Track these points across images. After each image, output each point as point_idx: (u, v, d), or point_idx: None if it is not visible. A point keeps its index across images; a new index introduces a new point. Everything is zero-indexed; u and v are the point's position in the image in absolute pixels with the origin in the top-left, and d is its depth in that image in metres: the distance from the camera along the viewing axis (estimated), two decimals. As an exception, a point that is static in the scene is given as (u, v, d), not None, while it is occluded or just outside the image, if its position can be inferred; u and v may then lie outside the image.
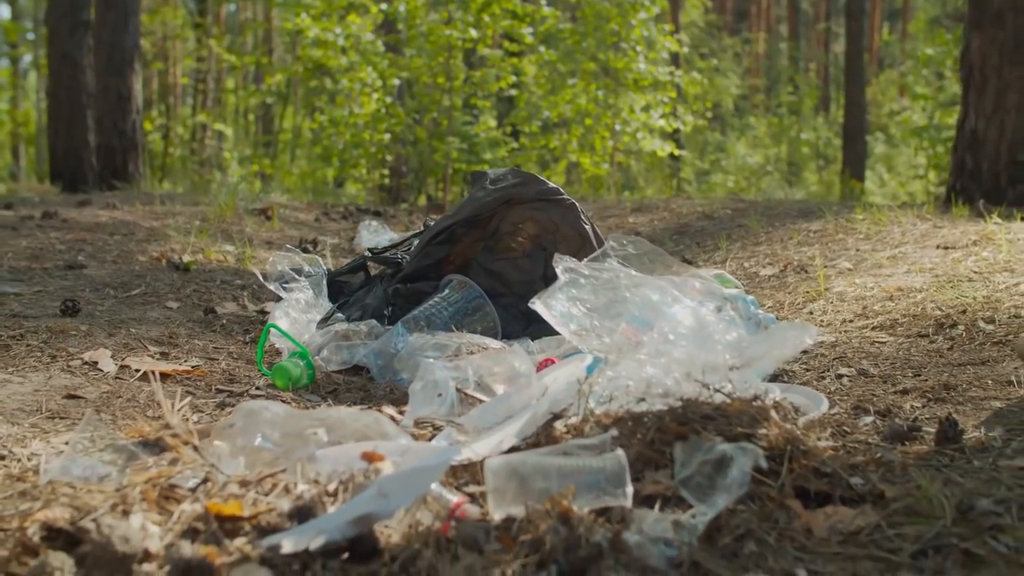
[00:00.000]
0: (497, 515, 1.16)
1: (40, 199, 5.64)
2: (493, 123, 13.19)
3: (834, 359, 2.04)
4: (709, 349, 1.49)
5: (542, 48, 11.42)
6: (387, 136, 10.19)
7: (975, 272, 2.59)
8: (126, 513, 1.07)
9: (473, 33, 9.42)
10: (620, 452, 1.21)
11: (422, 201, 9.74)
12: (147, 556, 0.99)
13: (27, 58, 30.45)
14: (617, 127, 11.58)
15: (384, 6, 10.32)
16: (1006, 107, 5.29)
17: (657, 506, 1.19)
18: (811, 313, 2.47)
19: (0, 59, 35.60)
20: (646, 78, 11.36)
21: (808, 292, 2.68)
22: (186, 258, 3.15)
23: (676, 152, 12.88)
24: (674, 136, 13.85)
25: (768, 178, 20.86)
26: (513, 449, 1.35)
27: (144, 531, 1.02)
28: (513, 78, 10.87)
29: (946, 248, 2.99)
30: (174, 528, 1.06)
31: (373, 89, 10.24)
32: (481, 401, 1.61)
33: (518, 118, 11.88)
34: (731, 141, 22.87)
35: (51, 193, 7.58)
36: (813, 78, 28.21)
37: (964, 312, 2.22)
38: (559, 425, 1.45)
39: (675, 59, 15.33)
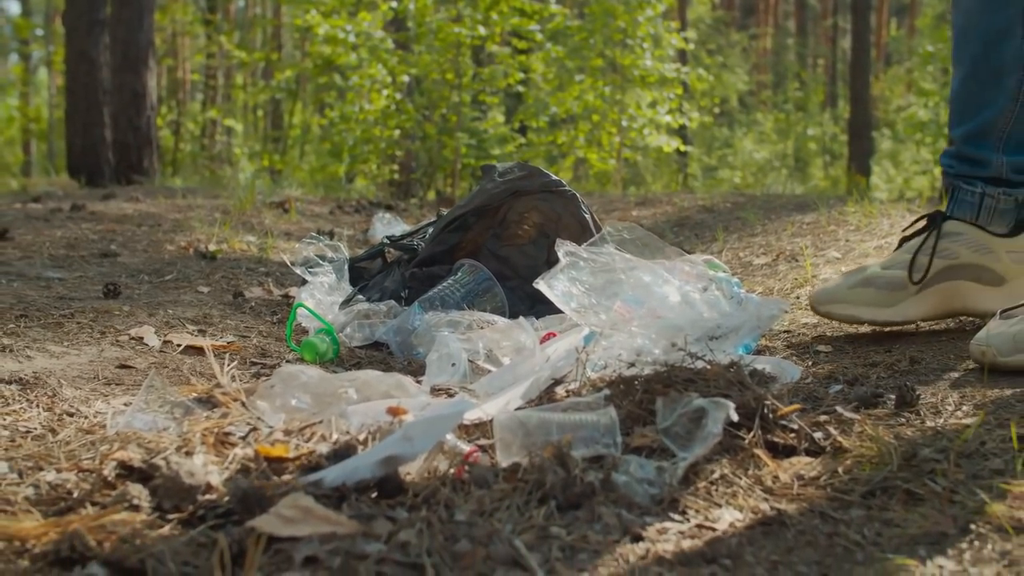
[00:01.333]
0: (504, 463, 1.33)
1: (64, 193, 5.84)
2: (501, 119, 13.35)
3: (814, 338, 2.22)
4: (693, 323, 1.67)
5: (549, 45, 11.59)
6: (397, 132, 10.36)
7: (953, 260, 2.76)
8: (189, 454, 1.25)
9: (482, 31, 9.59)
10: (612, 409, 1.39)
11: (432, 196, 9.91)
12: (209, 488, 1.18)
13: (36, 53, 30.68)
14: (624, 123, 11.74)
15: (394, 3, 10.50)
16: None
17: (643, 455, 1.37)
18: (798, 298, 2.65)
19: (10, 55, 35.88)
20: (652, 75, 11.51)
21: (796, 279, 2.86)
22: (212, 247, 3.34)
23: (682, 148, 13.03)
24: (681, 132, 13.99)
25: (775, 173, 20.98)
26: (518, 409, 1.54)
27: (206, 468, 1.20)
28: (521, 75, 11.03)
29: (930, 238, 3.16)
30: (230, 467, 1.24)
31: (383, 85, 10.41)
32: (490, 370, 1.79)
33: (526, 114, 12.06)
34: (738, 137, 23.02)
35: (72, 187, 7.78)
36: (820, 74, 28.30)
37: (937, 296, 2.39)
38: (559, 389, 1.63)
39: (682, 56, 15.49)
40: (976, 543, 1.12)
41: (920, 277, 2.09)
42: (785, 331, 2.31)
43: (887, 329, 2.22)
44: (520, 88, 11.63)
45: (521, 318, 1.94)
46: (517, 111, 12.73)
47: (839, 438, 1.43)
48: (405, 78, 10.51)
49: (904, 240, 2.22)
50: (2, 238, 3.24)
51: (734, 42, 25.35)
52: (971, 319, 2.21)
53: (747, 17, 31.20)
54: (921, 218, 2.22)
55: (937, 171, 14.10)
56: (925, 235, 2.14)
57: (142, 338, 2.05)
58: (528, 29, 10.54)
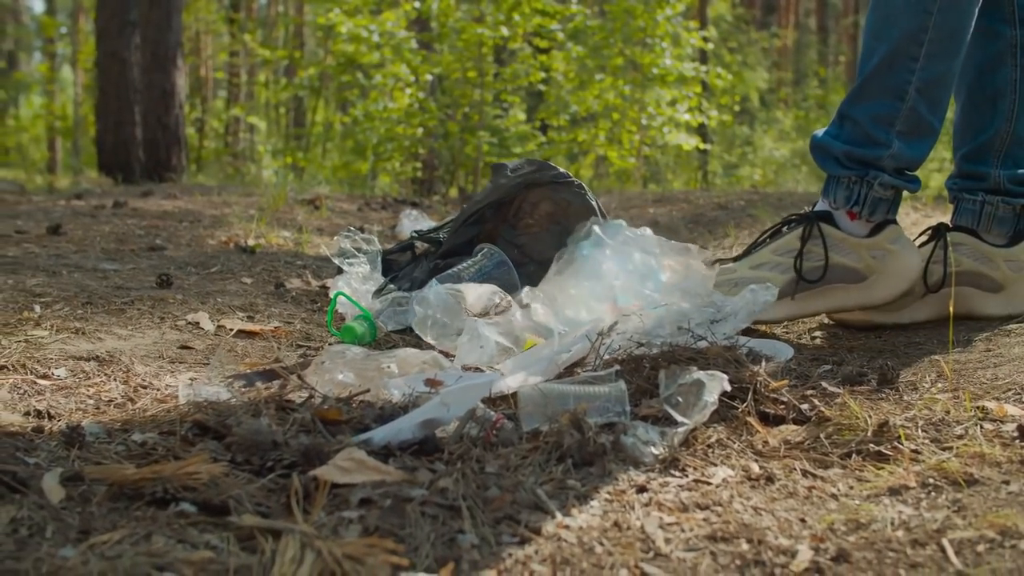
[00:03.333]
0: (527, 428, 1.53)
1: (102, 190, 6.07)
2: (523, 116, 13.52)
3: (813, 325, 2.41)
4: (695, 308, 1.87)
5: (570, 44, 11.76)
6: (420, 131, 10.56)
7: (948, 255, 2.94)
8: (256, 416, 1.45)
9: (504, 32, 9.78)
10: (622, 382, 1.58)
11: (453, 193, 10.11)
12: (275, 445, 1.37)
13: (61, 51, 31.03)
14: (644, 121, 11.89)
15: (417, 3, 10.70)
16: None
17: (649, 422, 1.56)
18: (800, 289, 2.83)
19: (33, 52, 36.32)
20: (672, 74, 11.66)
21: (800, 272, 3.04)
22: (251, 242, 3.55)
23: (701, 146, 13.17)
24: (701, 130, 14.12)
25: (795, 171, 21.01)
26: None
27: (271, 428, 1.40)
28: (542, 74, 11.21)
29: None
30: (291, 429, 1.44)
31: (406, 84, 10.61)
32: (515, 351, 1.98)
33: (547, 112, 12.24)
34: (758, 134, 23.08)
35: (106, 184, 8.02)
36: (841, 72, 28.28)
37: (929, 287, 2.57)
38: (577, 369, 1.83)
39: (702, 55, 15.62)
40: (932, 493, 1.30)
41: (937, 285, 2.27)
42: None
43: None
44: (541, 87, 11.81)
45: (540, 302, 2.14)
46: (538, 109, 12.92)
47: (823, 409, 1.62)
48: (428, 77, 10.71)
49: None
50: (55, 233, 3.46)
51: (755, 40, 25.39)
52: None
53: (768, 15, 31.19)
54: (927, 230, 2.40)
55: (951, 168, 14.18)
56: (933, 245, 2.32)
57: (198, 323, 2.26)
58: (549, 29, 10.72)
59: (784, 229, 2.29)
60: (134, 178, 8.95)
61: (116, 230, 3.68)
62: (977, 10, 2.13)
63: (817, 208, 2.29)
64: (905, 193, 2.28)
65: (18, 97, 32.28)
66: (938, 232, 2.34)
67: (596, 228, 2.12)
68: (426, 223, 4.37)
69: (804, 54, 29.41)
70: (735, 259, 2.33)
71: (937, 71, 2.12)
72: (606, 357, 1.82)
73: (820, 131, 2.30)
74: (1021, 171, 2.30)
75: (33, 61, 37.39)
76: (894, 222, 2.25)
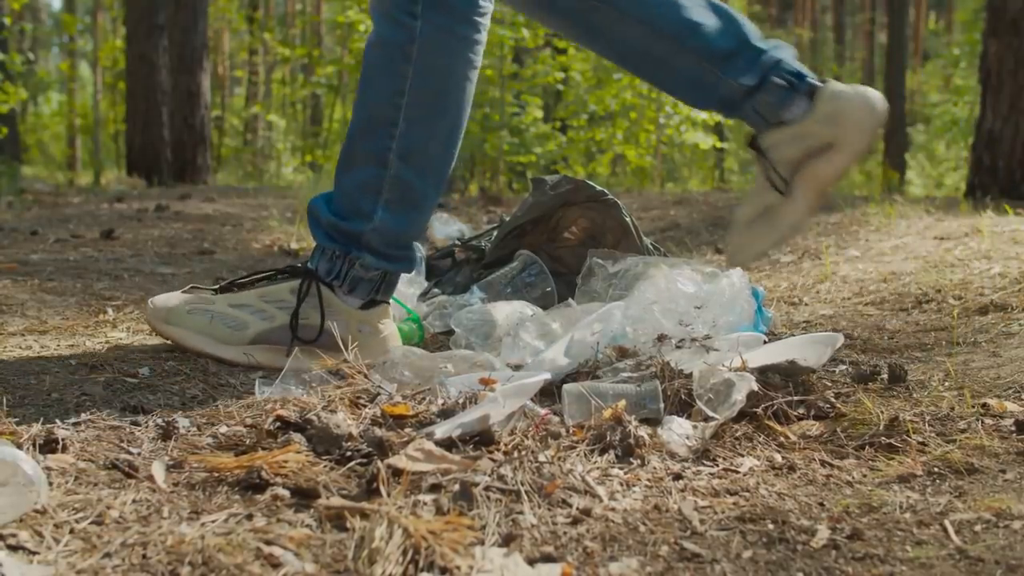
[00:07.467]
0: (571, 422, 1.70)
1: (138, 192, 6.26)
2: (540, 114, 13.68)
3: (830, 328, 2.57)
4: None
5: (588, 45, 11.91)
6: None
7: (959, 259, 3.10)
8: (333, 412, 1.63)
9: (525, 33, 9.95)
10: (656, 381, 1.75)
11: (474, 191, 10.27)
12: (350, 436, 1.55)
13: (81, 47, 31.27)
14: (661, 120, 12.04)
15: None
16: (1020, 108, 5.76)
17: (683, 417, 1.73)
18: (817, 292, 2.99)
19: (52, 48, 36.64)
20: (689, 73, 11.77)
21: (817, 275, 3.20)
22: (294, 245, 3.74)
23: (718, 144, 13.31)
24: (717, 128, 14.26)
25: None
26: (571, 375, 1.90)
27: (347, 422, 1.57)
28: (561, 75, 11.37)
29: (941, 239, 3.49)
30: (363, 423, 1.62)
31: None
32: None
33: (566, 112, 12.39)
34: (774, 131, 23.13)
35: (138, 185, 8.23)
36: (858, 69, 28.32)
37: (939, 291, 2.73)
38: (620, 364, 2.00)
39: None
40: (936, 480, 1.47)
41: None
42: (805, 321, 2.66)
43: (893, 320, 2.57)
44: (560, 86, 11.96)
45: (570, 299, 2.33)
46: (556, 107, 13.08)
47: (839, 406, 1.79)
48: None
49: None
50: (109, 237, 3.65)
51: (772, 37, 25.45)
52: (957, 330, 2.54)
53: (784, 12, 31.27)
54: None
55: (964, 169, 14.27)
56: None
57: (261, 324, 2.44)
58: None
59: (278, 277, 2.11)
60: (162, 178, 9.16)
61: (164, 234, 3.86)
62: (472, 72, 2.02)
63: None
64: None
65: (36, 95, 32.52)
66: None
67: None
68: (455, 225, 4.54)
69: (820, 51, 29.46)
70: (215, 290, 2.12)
71: (419, 136, 2.01)
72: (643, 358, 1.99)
73: (320, 194, 2.13)
74: None
75: (51, 58, 37.69)
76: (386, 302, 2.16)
